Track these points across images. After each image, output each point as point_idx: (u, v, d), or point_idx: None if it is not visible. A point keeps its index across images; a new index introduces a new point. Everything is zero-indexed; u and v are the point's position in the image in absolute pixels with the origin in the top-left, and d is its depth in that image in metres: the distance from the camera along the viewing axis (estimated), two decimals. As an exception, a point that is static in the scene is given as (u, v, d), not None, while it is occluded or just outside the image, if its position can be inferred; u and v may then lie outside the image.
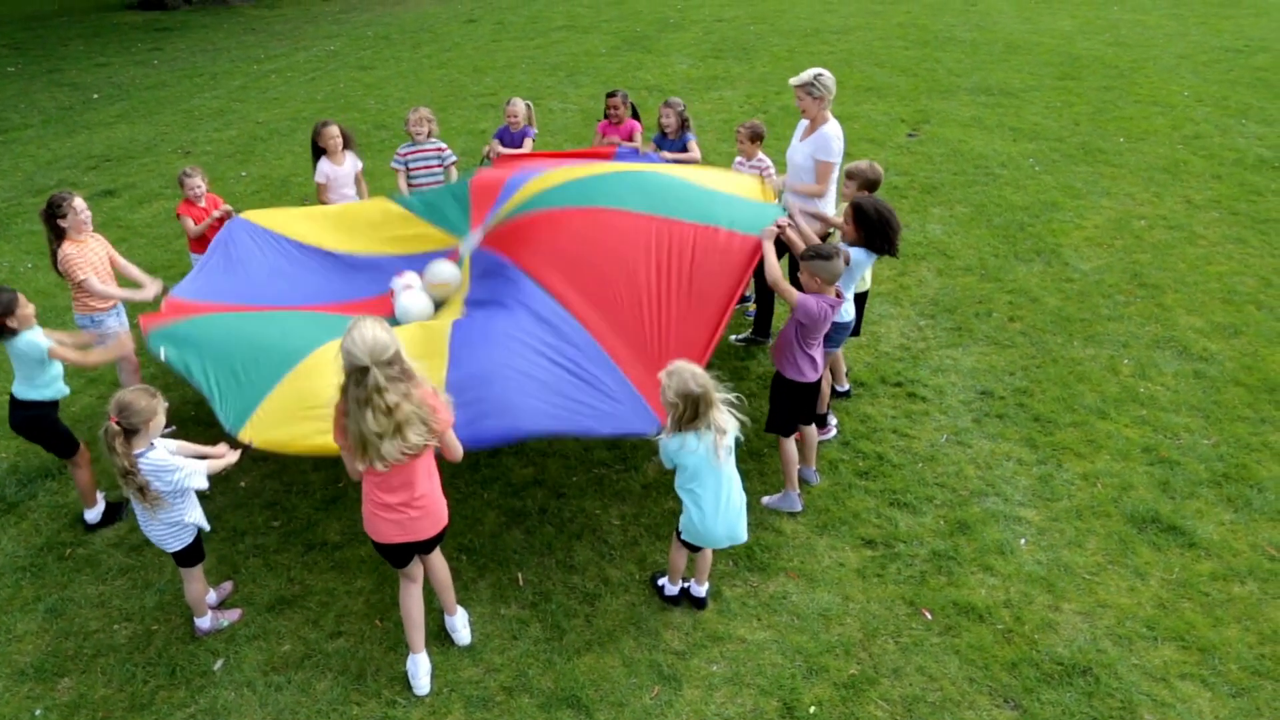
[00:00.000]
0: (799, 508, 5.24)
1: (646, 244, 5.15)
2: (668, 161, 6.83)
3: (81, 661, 4.51)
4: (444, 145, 7.50)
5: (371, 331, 3.53)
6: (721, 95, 12.69)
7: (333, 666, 4.41)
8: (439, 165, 7.42)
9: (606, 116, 7.56)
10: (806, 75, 5.90)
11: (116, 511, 5.43)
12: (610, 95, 7.48)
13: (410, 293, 5.76)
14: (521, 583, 4.83)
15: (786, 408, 5.12)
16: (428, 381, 3.76)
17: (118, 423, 3.97)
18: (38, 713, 4.25)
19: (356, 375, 3.54)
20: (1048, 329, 6.90)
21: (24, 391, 5.07)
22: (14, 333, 4.91)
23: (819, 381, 5.12)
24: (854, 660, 4.33)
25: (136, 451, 4.04)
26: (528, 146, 7.64)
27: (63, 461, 5.52)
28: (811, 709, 4.10)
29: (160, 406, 4.13)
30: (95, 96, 14.56)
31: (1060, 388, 6.22)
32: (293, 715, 4.17)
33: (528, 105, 7.73)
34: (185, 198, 6.67)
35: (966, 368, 6.48)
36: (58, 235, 5.75)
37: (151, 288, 5.94)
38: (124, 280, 6.04)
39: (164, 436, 4.35)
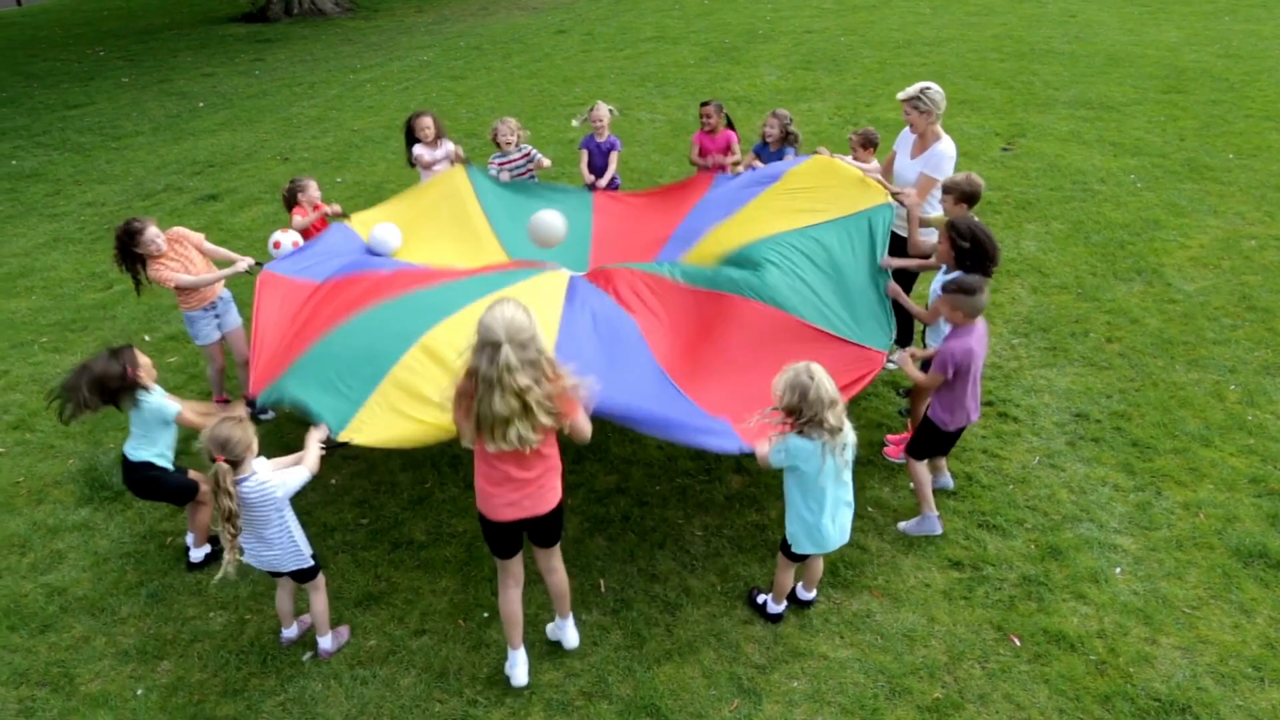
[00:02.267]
0: (940, 530, 5.09)
1: (765, 335, 5.20)
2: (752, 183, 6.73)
3: (179, 646, 4.69)
4: (531, 149, 7.62)
5: (511, 310, 3.51)
6: (811, 107, 12.58)
7: (416, 663, 4.49)
8: (530, 170, 7.56)
9: (702, 127, 7.55)
10: (913, 89, 5.75)
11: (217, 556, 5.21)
12: (704, 105, 7.46)
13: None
14: (603, 589, 4.86)
15: (937, 446, 5.08)
16: (564, 377, 3.70)
17: (226, 460, 3.95)
18: (139, 692, 4.43)
19: (489, 351, 3.50)
20: (1148, 351, 6.66)
21: (138, 452, 4.83)
22: (138, 388, 4.64)
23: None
24: (938, 684, 4.23)
25: (239, 478, 4.05)
26: (614, 161, 7.68)
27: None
28: (894, 731, 4.03)
29: (252, 430, 4.10)
30: (201, 105, 15.16)
31: (1160, 412, 6.00)
32: (377, 709, 4.26)
33: (611, 111, 7.78)
34: (299, 204, 6.87)
35: (1061, 388, 6.29)
36: (134, 260, 5.80)
37: (242, 263, 6.10)
38: (217, 263, 6.23)
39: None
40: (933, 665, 4.33)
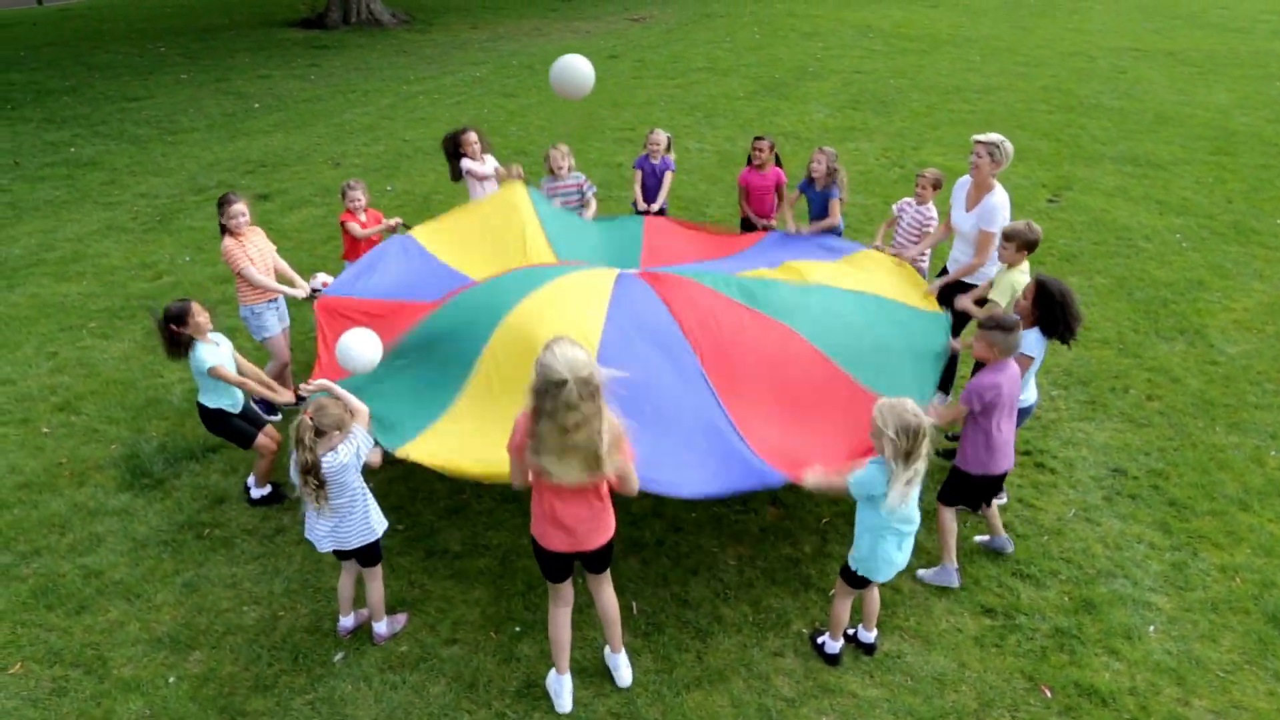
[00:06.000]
0: (957, 583, 5.04)
1: (814, 379, 5.21)
2: (814, 249, 6.79)
3: (212, 637, 4.75)
4: (583, 178, 7.70)
5: (571, 348, 3.61)
6: (858, 147, 12.65)
7: (446, 672, 4.52)
8: (579, 199, 7.62)
9: (750, 162, 7.52)
10: (994, 135, 5.87)
11: (279, 495, 5.74)
12: (757, 139, 7.42)
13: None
14: (635, 612, 4.88)
15: (965, 493, 5.06)
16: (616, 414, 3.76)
17: (311, 418, 4.13)
18: (171, 680, 4.50)
19: (553, 389, 3.56)
20: (1188, 411, 6.63)
21: (204, 399, 5.38)
22: (190, 342, 5.15)
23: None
24: (968, 730, 4.22)
25: (321, 451, 4.17)
26: (668, 180, 7.78)
27: (212, 444, 6.07)
28: (921, 775, 4.01)
29: (349, 418, 4.29)
30: (256, 106, 15.43)
31: (1199, 473, 5.96)
32: (405, 715, 4.30)
33: (669, 137, 7.91)
34: (347, 208, 7.02)
35: (1099, 443, 6.27)
36: (221, 231, 6.16)
37: (301, 290, 6.34)
38: (281, 279, 6.38)
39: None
40: (962, 711, 4.31)
